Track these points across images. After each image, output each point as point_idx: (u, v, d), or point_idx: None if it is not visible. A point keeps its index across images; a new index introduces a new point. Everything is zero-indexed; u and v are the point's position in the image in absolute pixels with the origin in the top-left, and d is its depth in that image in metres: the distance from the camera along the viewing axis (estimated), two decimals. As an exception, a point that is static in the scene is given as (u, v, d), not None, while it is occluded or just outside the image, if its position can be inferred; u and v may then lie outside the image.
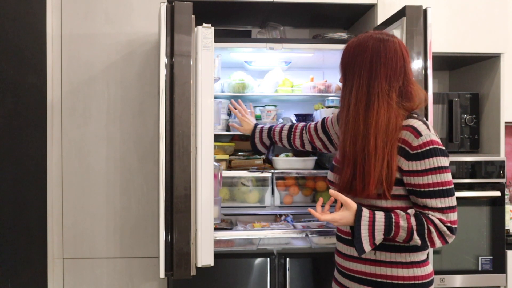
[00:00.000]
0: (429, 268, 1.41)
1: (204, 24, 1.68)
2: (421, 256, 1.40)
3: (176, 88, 1.64)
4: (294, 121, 2.46)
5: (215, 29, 1.69)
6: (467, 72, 2.65)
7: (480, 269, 2.24)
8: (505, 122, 2.34)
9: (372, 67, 1.35)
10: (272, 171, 2.22)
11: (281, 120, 2.48)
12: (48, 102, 2.08)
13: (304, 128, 1.91)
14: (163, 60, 1.65)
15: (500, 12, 2.27)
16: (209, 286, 2.00)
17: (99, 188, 2.12)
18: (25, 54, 1.86)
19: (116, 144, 2.13)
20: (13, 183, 1.75)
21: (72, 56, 2.11)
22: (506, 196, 2.33)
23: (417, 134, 1.31)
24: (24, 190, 1.84)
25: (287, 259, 2.01)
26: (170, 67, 1.65)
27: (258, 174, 2.23)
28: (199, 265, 1.66)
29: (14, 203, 1.75)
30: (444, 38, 2.25)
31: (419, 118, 1.37)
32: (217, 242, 1.90)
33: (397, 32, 1.78)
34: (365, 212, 1.33)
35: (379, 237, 1.32)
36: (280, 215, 2.24)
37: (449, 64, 2.65)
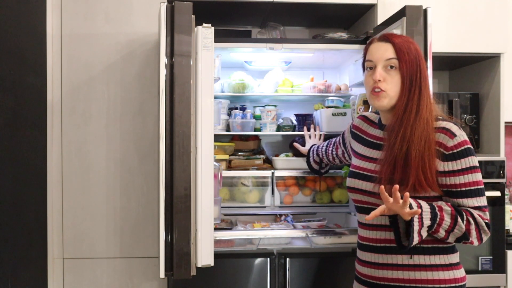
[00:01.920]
0: (463, 271, 1.40)
1: (204, 24, 1.68)
2: (457, 258, 1.39)
3: (176, 88, 1.64)
4: (294, 121, 2.46)
5: (215, 29, 1.70)
6: (467, 72, 2.65)
7: (480, 269, 2.24)
8: (505, 122, 2.33)
9: (424, 70, 1.38)
10: (272, 171, 2.22)
11: (281, 120, 2.47)
12: (48, 102, 2.08)
13: (335, 140, 1.90)
14: (163, 60, 1.65)
15: (500, 12, 2.27)
16: (209, 286, 2.00)
17: (99, 188, 2.12)
18: (25, 54, 1.86)
19: (116, 144, 2.13)
20: (13, 183, 1.75)
21: (72, 56, 2.11)
22: (506, 196, 2.32)
23: (452, 134, 1.32)
24: (24, 190, 1.84)
25: (287, 259, 2.01)
26: (170, 67, 1.65)
27: (258, 174, 2.23)
28: (199, 265, 1.66)
29: (14, 203, 1.75)
30: (444, 38, 2.24)
31: (447, 120, 1.37)
32: (217, 242, 1.90)
33: (397, 32, 1.78)
34: (411, 200, 1.28)
35: (424, 232, 1.28)
36: (280, 215, 2.24)
37: (449, 64, 2.65)
